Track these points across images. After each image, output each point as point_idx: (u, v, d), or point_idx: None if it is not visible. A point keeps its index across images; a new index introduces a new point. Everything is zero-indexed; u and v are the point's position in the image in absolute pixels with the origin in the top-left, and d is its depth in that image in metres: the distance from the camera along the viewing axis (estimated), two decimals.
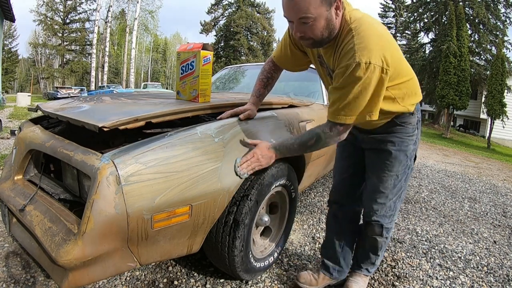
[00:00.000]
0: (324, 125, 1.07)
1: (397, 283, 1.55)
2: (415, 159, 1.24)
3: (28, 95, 12.79)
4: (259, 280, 1.46)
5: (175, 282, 1.40)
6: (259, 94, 1.36)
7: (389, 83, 1.01)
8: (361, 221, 1.40)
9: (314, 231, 2.07)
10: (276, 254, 1.53)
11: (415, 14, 19.86)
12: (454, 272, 1.72)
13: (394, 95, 1.07)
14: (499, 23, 17.37)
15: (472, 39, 17.35)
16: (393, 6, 28.61)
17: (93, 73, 21.26)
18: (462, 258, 1.90)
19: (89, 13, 26.42)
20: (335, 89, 0.99)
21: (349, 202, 1.39)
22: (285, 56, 1.28)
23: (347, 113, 0.99)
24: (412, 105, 1.13)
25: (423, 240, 2.10)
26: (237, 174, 1.10)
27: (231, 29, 26.60)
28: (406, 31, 23.25)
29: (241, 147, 1.16)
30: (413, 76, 1.13)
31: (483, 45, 17.31)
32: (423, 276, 1.65)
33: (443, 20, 17.89)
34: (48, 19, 25.50)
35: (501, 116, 12.70)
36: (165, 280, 1.41)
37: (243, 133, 1.20)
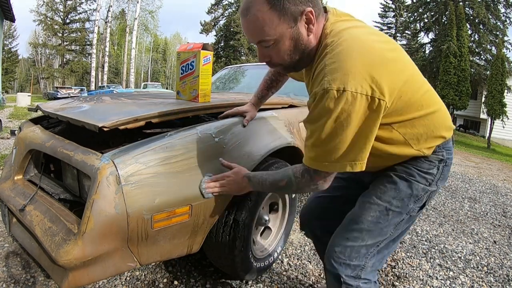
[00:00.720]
0: (298, 167, 0.83)
1: (397, 283, 1.55)
2: (422, 207, 0.88)
3: (28, 95, 12.80)
4: (259, 280, 1.46)
5: (175, 282, 1.40)
6: (261, 96, 1.30)
7: (395, 117, 0.75)
8: None
9: None
10: (276, 254, 1.53)
11: (415, 14, 19.86)
12: (454, 272, 1.72)
13: (404, 136, 0.79)
14: (499, 23, 17.39)
15: (472, 39, 17.36)
16: (393, 6, 28.62)
17: (93, 73, 21.27)
18: (462, 258, 1.90)
19: (89, 13, 26.43)
20: (306, 122, 0.77)
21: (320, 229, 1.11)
22: None
23: (321, 158, 0.74)
24: (430, 148, 0.83)
25: (423, 240, 2.10)
26: (200, 191, 1.00)
27: (231, 29, 26.58)
28: (406, 31, 23.25)
29: (241, 147, 1.16)
30: (439, 107, 0.83)
31: (483, 45, 17.32)
32: (423, 276, 1.65)
33: (443, 20, 17.89)
34: (48, 19, 25.49)
35: (501, 116, 12.71)
36: (165, 280, 1.41)
37: (243, 133, 1.20)
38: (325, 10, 0.81)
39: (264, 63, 0.84)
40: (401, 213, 0.85)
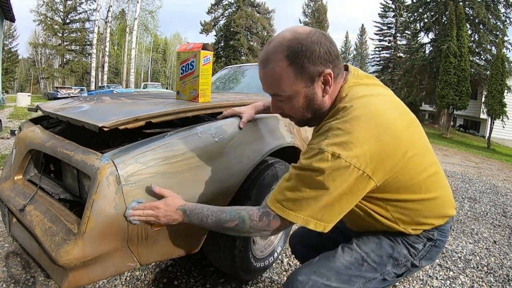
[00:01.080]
0: (255, 210, 0.77)
1: (397, 283, 1.55)
2: (399, 276, 0.83)
3: (28, 95, 12.81)
4: (259, 280, 1.47)
5: (175, 282, 1.40)
6: (268, 107, 1.18)
7: (387, 194, 0.73)
8: None
9: None
10: (276, 254, 1.53)
11: (415, 14, 19.86)
12: (454, 272, 1.72)
13: (392, 213, 0.77)
14: (499, 23, 17.38)
15: (472, 39, 17.36)
16: (393, 6, 28.60)
17: (93, 73, 21.29)
18: (462, 258, 1.90)
19: (89, 13, 26.44)
20: (292, 167, 0.74)
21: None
22: None
23: (289, 205, 0.70)
24: (417, 230, 0.81)
25: None
26: (125, 216, 0.88)
27: (231, 29, 26.60)
28: (406, 31, 23.21)
29: (241, 148, 1.16)
30: (440, 194, 0.79)
31: (483, 45, 17.32)
32: (423, 276, 1.65)
33: (443, 20, 17.89)
34: (48, 19, 25.49)
35: (501, 116, 12.71)
36: (165, 280, 1.41)
37: (243, 133, 1.20)
38: (346, 68, 0.80)
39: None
40: (375, 270, 0.81)
